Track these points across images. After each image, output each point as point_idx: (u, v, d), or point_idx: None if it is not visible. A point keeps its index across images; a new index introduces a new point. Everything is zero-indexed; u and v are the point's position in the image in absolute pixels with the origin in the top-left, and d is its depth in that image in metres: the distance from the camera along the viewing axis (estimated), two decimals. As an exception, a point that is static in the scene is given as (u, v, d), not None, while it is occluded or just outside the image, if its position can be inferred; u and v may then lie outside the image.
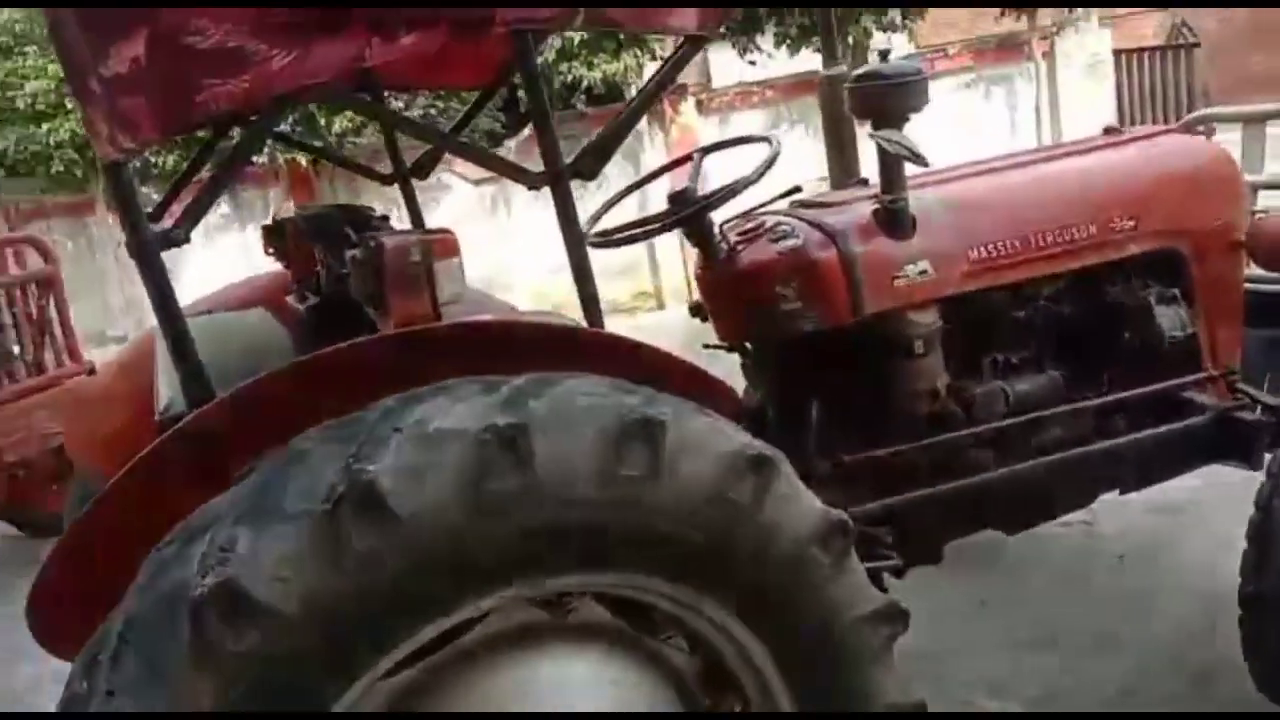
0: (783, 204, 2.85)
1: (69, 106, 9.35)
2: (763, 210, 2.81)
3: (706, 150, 2.90)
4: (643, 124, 9.50)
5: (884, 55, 2.57)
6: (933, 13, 10.18)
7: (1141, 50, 9.90)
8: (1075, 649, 3.20)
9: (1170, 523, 3.68)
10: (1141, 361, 2.97)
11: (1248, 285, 3.17)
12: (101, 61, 1.58)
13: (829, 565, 1.78)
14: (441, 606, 1.53)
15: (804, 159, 9.86)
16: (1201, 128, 3.67)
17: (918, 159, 2.42)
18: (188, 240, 1.74)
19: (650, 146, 9.92)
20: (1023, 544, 3.89)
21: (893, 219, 2.58)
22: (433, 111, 9.04)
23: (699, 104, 9.80)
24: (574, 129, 9.91)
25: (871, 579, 2.58)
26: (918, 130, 2.48)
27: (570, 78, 8.73)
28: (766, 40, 9.35)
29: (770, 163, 2.62)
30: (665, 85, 2.23)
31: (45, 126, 9.72)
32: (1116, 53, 9.65)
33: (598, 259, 2.08)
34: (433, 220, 3.19)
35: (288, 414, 1.64)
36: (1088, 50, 9.25)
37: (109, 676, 1.43)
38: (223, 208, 10.90)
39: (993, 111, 9.66)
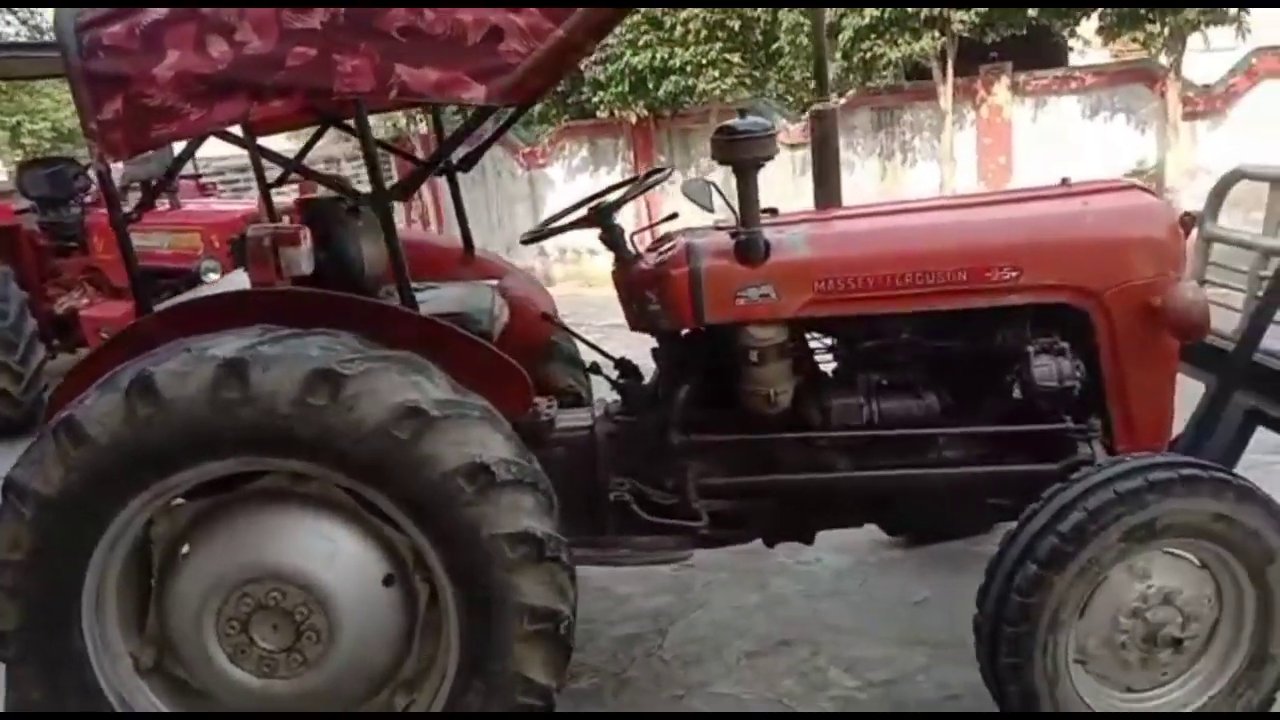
0: (707, 221, 3.40)
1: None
2: (682, 230, 3.39)
3: (650, 174, 3.52)
4: (949, 102, 9.52)
5: (743, 113, 3.04)
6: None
7: None
8: (947, 655, 3.48)
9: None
10: (1016, 404, 3.19)
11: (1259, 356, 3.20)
12: (98, 111, 2.69)
13: (472, 493, 2.48)
14: (191, 461, 2.51)
15: (1125, 149, 9.34)
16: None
17: (705, 207, 2.93)
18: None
19: (962, 125, 9.90)
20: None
21: (744, 247, 3.03)
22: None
23: (1014, 85, 9.54)
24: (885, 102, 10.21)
25: (682, 533, 3.23)
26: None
27: (869, 54, 8.95)
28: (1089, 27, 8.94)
29: (642, 186, 3.25)
30: (461, 139, 2.93)
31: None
32: None
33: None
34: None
35: (181, 330, 2.69)
36: None
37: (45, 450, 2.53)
38: (583, 152, 12.60)
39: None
